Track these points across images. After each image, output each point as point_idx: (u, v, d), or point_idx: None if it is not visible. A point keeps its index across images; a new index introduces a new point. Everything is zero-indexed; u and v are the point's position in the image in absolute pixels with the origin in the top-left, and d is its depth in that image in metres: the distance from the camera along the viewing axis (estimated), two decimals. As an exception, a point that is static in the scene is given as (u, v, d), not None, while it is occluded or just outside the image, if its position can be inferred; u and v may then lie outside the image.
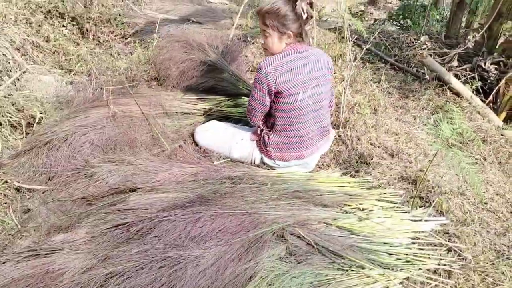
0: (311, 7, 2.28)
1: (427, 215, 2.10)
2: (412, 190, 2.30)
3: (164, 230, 1.68)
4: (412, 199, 2.19)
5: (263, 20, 2.19)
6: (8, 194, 2.16)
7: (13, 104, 2.54)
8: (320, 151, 2.46)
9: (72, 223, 1.89)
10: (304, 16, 2.18)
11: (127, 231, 1.72)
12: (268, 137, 2.33)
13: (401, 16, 4.67)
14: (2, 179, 2.20)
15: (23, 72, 2.81)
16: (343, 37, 3.78)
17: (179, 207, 1.84)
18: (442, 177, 2.35)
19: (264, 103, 2.24)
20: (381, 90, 3.17)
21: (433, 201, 2.20)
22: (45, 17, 3.46)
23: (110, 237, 1.72)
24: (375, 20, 5.32)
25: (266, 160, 2.39)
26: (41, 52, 3.13)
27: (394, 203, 2.16)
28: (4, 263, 1.68)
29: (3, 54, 2.79)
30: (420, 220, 2.06)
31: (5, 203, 2.13)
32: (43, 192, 2.12)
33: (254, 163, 2.43)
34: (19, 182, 2.18)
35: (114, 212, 1.86)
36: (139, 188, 2.06)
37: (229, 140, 2.45)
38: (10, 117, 2.49)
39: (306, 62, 2.21)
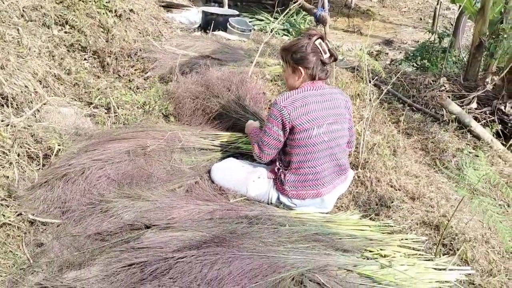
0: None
1: (452, 264, 2.01)
2: (435, 236, 2.22)
3: (179, 272, 1.63)
4: (435, 246, 2.11)
5: (281, 55, 2.32)
6: (21, 226, 2.13)
7: (32, 136, 2.55)
8: (338, 191, 2.41)
9: (85, 260, 1.84)
10: (325, 55, 2.20)
11: (141, 271, 1.66)
12: (284, 175, 2.30)
13: (418, 57, 4.69)
14: (16, 211, 2.17)
15: (44, 104, 2.84)
16: (360, 77, 3.79)
17: (195, 247, 1.79)
18: (466, 223, 2.26)
19: (279, 138, 2.24)
20: (400, 131, 3.13)
21: (457, 249, 2.12)
22: (68, 50, 3.54)
23: (123, 277, 1.67)
24: (392, 60, 5.35)
25: (282, 199, 2.34)
26: (62, 84, 3.18)
27: (417, 250, 2.08)
28: (14, 300, 1.64)
29: (25, 86, 2.83)
30: (445, 269, 1.97)
31: (18, 236, 2.10)
32: (57, 226, 2.09)
33: (271, 202, 2.38)
34: (33, 215, 2.16)
35: (128, 250, 1.81)
36: (154, 225, 2.01)
37: (246, 178, 2.41)
38: (28, 149, 2.49)
39: (321, 99, 2.23)
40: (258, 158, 2.36)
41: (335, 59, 2.27)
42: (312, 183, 2.27)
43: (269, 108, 3.18)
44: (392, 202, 2.39)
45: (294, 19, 7.21)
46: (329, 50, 2.22)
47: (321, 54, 2.21)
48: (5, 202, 2.19)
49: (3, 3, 3.35)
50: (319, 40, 2.21)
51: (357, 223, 2.20)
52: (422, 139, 3.13)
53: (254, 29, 5.83)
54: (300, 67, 2.23)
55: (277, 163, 2.37)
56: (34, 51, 3.17)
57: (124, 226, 2.01)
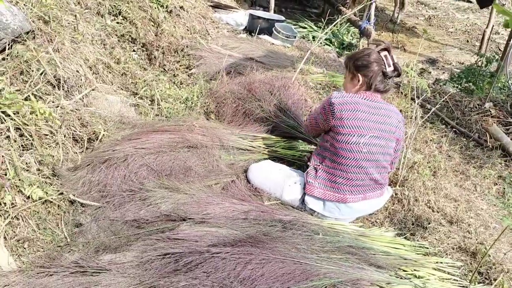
0: None
1: (487, 294, 1.95)
2: (471, 263, 2.16)
3: (213, 267, 1.64)
4: (471, 273, 2.05)
5: (345, 62, 2.38)
6: (62, 205, 2.19)
7: (79, 119, 2.63)
8: (371, 205, 2.37)
9: (121, 245, 1.88)
10: (388, 68, 2.20)
11: (176, 262, 1.68)
12: (316, 171, 2.30)
13: (463, 80, 4.58)
14: (58, 190, 2.24)
15: (92, 90, 2.92)
16: (404, 94, 3.73)
17: (229, 244, 1.79)
18: (505, 254, 2.19)
19: (318, 125, 2.35)
20: (441, 152, 3.06)
21: (494, 279, 2.05)
22: (118, 40, 3.63)
23: (158, 265, 1.69)
24: (436, 80, 5.24)
25: (308, 201, 2.31)
26: (110, 72, 3.26)
27: (452, 275, 2.03)
28: (51, 275, 1.69)
29: (77, 71, 2.92)
30: (480, 298, 1.91)
31: (58, 214, 2.16)
32: (96, 209, 2.14)
33: (305, 209, 2.37)
34: (74, 195, 2.22)
35: (164, 239, 1.84)
36: (189, 218, 2.04)
37: (282, 182, 2.41)
38: (74, 131, 2.57)
39: (373, 111, 2.22)
40: (304, 127, 2.60)
41: (399, 74, 2.25)
42: (340, 187, 2.26)
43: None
44: (429, 223, 2.34)
45: (338, 30, 7.18)
46: (393, 64, 2.20)
47: (384, 66, 2.21)
48: (48, 180, 2.27)
49: (62, -11, 3.47)
50: (385, 52, 2.20)
51: (392, 241, 2.16)
52: (464, 163, 3.05)
53: (298, 36, 5.83)
54: (359, 74, 2.24)
55: (312, 160, 2.37)
56: (88, 38, 3.27)
57: (161, 216, 2.04)
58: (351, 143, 2.18)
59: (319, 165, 2.31)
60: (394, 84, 2.29)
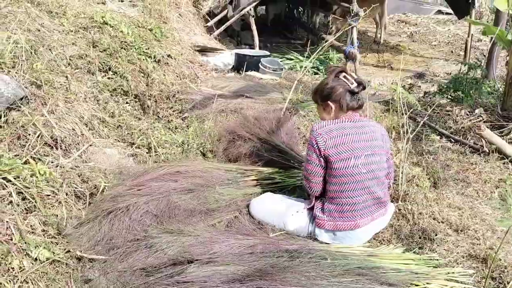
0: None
1: (503, 298, 1.93)
2: (483, 270, 2.14)
3: (224, 306, 1.64)
4: (484, 280, 2.03)
5: (312, 99, 2.42)
6: (70, 263, 2.20)
7: (79, 176, 2.68)
8: (376, 224, 2.38)
9: (131, 295, 1.88)
10: (352, 85, 2.27)
11: (187, 305, 1.68)
12: (323, 204, 2.31)
13: (452, 89, 4.66)
14: (65, 248, 2.26)
15: (90, 145, 2.99)
16: (394, 110, 3.79)
17: (238, 281, 1.80)
18: (515, 256, 2.18)
19: (321, 164, 2.26)
20: (439, 162, 3.09)
21: (507, 282, 2.03)
22: (111, 94, 3.72)
23: (169, 311, 1.69)
24: (425, 93, 5.33)
25: (318, 232, 2.32)
26: (106, 126, 3.34)
27: (465, 284, 2.01)
28: (64, 335, 1.68)
29: (73, 129, 2.99)
30: (496, 304, 1.89)
31: (67, 273, 2.17)
32: (104, 262, 2.15)
33: (310, 235, 2.37)
34: (81, 251, 2.23)
35: (173, 284, 1.84)
36: (196, 260, 2.04)
37: (284, 212, 2.43)
38: (76, 188, 2.61)
39: (359, 131, 2.27)
40: (309, 189, 2.35)
41: (364, 87, 2.32)
42: (349, 214, 2.26)
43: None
44: (436, 235, 2.34)
45: (326, 57, 7.34)
46: (355, 80, 2.28)
47: (347, 84, 2.27)
48: (54, 240, 2.28)
49: (52, 53, 3.60)
50: (343, 73, 2.29)
51: (400, 257, 2.16)
52: (463, 170, 3.07)
53: (285, 68, 5.97)
54: (328, 102, 2.30)
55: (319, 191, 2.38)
56: (81, 96, 3.36)
57: (168, 261, 2.04)
58: (349, 167, 2.21)
59: (322, 198, 2.34)
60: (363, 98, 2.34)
